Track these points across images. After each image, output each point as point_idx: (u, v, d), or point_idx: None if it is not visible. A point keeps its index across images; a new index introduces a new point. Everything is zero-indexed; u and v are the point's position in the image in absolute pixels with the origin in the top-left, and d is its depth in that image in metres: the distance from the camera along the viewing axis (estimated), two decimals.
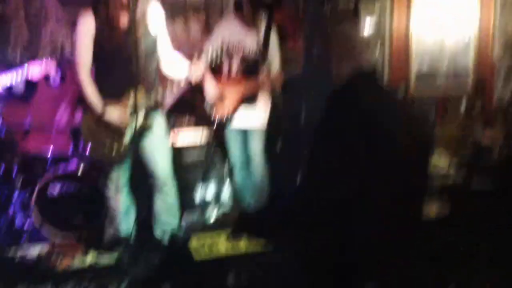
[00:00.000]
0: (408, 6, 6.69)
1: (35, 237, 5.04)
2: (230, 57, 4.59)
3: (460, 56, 6.82)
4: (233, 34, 5.16)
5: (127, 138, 4.34)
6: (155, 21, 4.36)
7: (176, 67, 4.48)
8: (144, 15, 4.26)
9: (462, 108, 6.79)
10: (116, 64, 4.22)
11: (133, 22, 4.13)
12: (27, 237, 5.04)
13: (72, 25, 5.98)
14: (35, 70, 4.67)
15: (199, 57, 4.59)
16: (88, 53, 4.24)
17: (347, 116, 2.25)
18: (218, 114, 5.13)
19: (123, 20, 4.22)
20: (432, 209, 4.48)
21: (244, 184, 5.40)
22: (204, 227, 5.47)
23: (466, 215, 4.15)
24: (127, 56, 4.11)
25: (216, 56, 4.60)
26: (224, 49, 5.09)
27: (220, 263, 4.64)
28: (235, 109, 5.13)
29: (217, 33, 5.25)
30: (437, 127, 6.43)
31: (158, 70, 4.48)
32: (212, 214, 5.66)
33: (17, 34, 6.11)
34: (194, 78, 4.40)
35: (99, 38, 4.22)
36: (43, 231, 4.99)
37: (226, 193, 5.67)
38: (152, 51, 4.37)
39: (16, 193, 5.11)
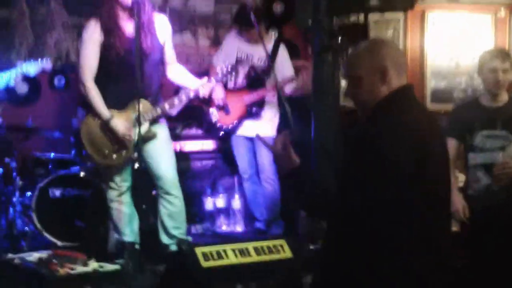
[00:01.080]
0: (422, 26, 6.63)
1: (36, 241, 4.88)
2: (237, 69, 4.55)
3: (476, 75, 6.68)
4: (243, 46, 5.20)
5: (130, 146, 4.23)
6: (161, 31, 4.31)
7: (183, 78, 4.49)
8: (150, 24, 4.21)
9: None
10: (121, 73, 4.17)
11: (138, 31, 4.08)
12: (27, 241, 4.86)
13: (78, 32, 5.99)
14: (34, 68, 4.52)
15: (209, 76, 4.59)
16: (93, 59, 4.19)
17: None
18: (224, 122, 5.15)
19: (129, 28, 4.16)
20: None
21: (254, 195, 5.30)
22: (213, 236, 5.32)
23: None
24: (132, 65, 4.03)
25: (225, 73, 4.47)
26: (232, 62, 5.01)
27: (229, 272, 4.30)
28: (241, 118, 5.14)
29: (225, 46, 5.30)
30: None
31: (164, 79, 4.47)
32: (222, 224, 5.48)
33: (22, 39, 6.03)
34: (202, 94, 4.37)
35: (105, 46, 4.17)
36: (44, 235, 4.82)
37: (236, 203, 5.46)
38: (158, 60, 4.33)
39: (16, 195, 4.95)
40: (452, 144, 3.84)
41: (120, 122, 4.17)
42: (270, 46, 5.20)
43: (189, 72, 4.53)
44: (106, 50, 4.16)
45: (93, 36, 4.16)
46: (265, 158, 5.10)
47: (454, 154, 3.87)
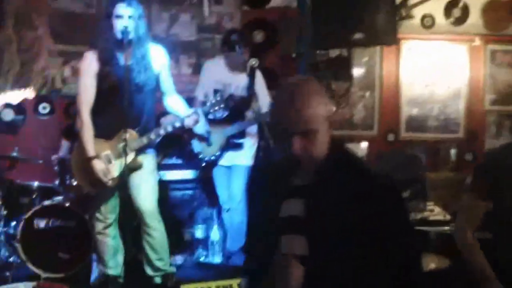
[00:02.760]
0: (398, 54, 6.73)
1: (20, 272, 4.76)
2: (219, 98, 4.52)
3: (451, 103, 6.82)
4: (222, 75, 5.12)
5: (114, 175, 4.19)
6: (156, 61, 4.28)
7: (178, 107, 4.44)
8: (144, 55, 4.19)
9: (453, 155, 6.75)
10: (114, 102, 4.14)
11: (133, 61, 4.11)
12: (11, 271, 4.72)
13: (64, 59, 5.98)
14: (20, 95, 4.48)
15: (193, 106, 4.60)
16: (90, 91, 4.16)
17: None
18: (206, 153, 5.07)
19: (123, 58, 4.13)
20: (430, 262, 4.30)
21: (228, 224, 5.24)
22: (193, 267, 5.23)
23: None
24: (123, 95, 4.00)
25: (213, 104, 4.46)
26: (213, 90, 5.03)
27: None
28: (223, 149, 5.08)
29: (203, 76, 5.23)
30: (428, 172, 6.34)
31: (153, 110, 4.40)
32: (202, 254, 5.40)
33: (9, 65, 5.99)
34: (187, 125, 4.35)
35: (100, 75, 4.15)
36: (28, 266, 4.70)
37: (215, 234, 5.39)
38: (152, 90, 4.29)
39: (1, 225, 4.87)
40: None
41: (99, 165, 4.12)
42: (243, 75, 5.07)
43: (182, 101, 4.50)
44: (101, 80, 4.14)
45: (90, 67, 4.14)
46: (238, 185, 5.06)
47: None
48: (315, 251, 2.05)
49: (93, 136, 4.15)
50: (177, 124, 4.30)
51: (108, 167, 4.16)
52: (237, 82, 5.06)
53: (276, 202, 2.16)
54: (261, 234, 2.24)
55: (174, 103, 4.44)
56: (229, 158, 5.10)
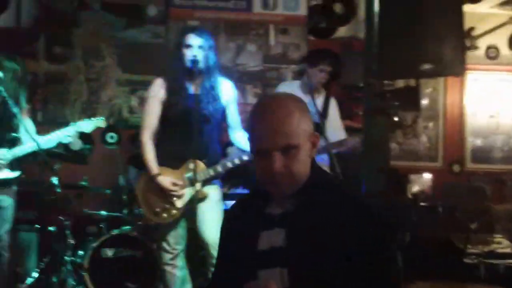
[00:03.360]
0: (462, 85, 6.72)
1: None
2: None
3: None
4: None
5: (179, 206, 4.15)
6: (224, 95, 4.25)
7: (244, 143, 4.32)
8: (214, 88, 4.16)
9: None
10: (180, 131, 4.10)
11: (201, 91, 4.09)
12: None
13: (131, 89, 6.07)
14: (89, 126, 4.52)
15: None
16: (154, 117, 4.16)
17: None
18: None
19: (192, 89, 4.13)
20: None
21: None
22: None
23: None
24: (191, 125, 3.96)
25: None
26: None
27: None
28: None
29: None
30: (494, 204, 6.19)
31: (218, 142, 4.36)
32: None
33: (77, 94, 6.15)
34: None
35: (167, 104, 4.14)
36: None
37: None
38: (219, 123, 4.26)
39: (69, 254, 4.90)
40: None
41: (166, 179, 4.10)
42: (318, 101, 5.00)
43: None
44: (168, 108, 4.13)
45: (157, 94, 4.14)
46: None
47: None
48: (296, 282, 1.91)
49: (154, 156, 4.12)
50: (245, 158, 4.25)
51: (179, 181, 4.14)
52: (311, 107, 4.93)
53: (252, 233, 2.02)
54: (232, 271, 2.08)
55: (241, 139, 4.37)
56: None
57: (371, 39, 5.26)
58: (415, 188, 6.10)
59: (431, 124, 6.65)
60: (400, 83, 5.47)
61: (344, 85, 6.26)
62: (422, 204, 5.77)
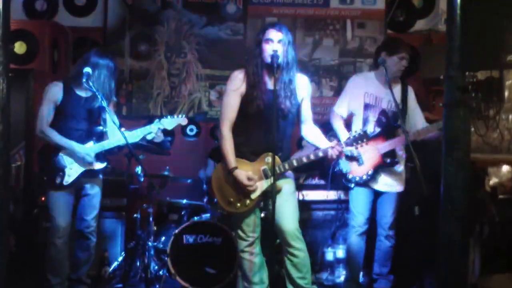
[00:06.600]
0: None
1: (169, 285, 4.92)
2: (362, 133, 4.35)
3: None
4: (373, 89, 4.93)
5: (253, 197, 4.17)
6: (300, 91, 4.25)
7: (317, 139, 4.34)
8: (290, 83, 4.17)
9: None
10: (258, 125, 4.14)
11: (280, 86, 4.10)
12: (160, 284, 4.89)
13: (210, 83, 6.20)
14: (171, 123, 4.68)
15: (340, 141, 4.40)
16: (233, 109, 4.19)
17: None
18: (357, 173, 4.86)
19: (271, 84, 4.13)
20: None
21: (376, 249, 5.06)
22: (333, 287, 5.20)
23: None
24: (269, 120, 3.98)
25: (352, 138, 4.29)
26: (363, 105, 4.90)
27: None
28: (376, 168, 4.85)
29: (349, 92, 5.01)
30: None
31: (290, 137, 4.33)
32: (341, 275, 5.33)
33: (159, 89, 6.36)
34: (331, 155, 4.18)
35: (247, 97, 4.17)
36: (177, 280, 4.85)
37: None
38: (294, 118, 4.26)
39: (151, 240, 5.05)
40: None
41: (242, 173, 4.13)
42: (396, 91, 4.87)
43: (320, 132, 4.39)
44: (247, 102, 4.16)
45: (237, 87, 4.18)
46: (389, 213, 4.92)
47: None
48: None
49: (233, 149, 4.15)
50: (320, 154, 4.21)
51: (255, 174, 4.17)
52: (388, 97, 4.82)
53: None
54: None
55: (314, 133, 4.37)
56: (381, 183, 4.89)
57: (453, 31, 5.17)
58: (494, 181, 5.91)
59: (511, 117, 6.44)
60: (483, 76, 5.34)
61: (423, 78, 6.17)
62: (500, 197, 5.58)
